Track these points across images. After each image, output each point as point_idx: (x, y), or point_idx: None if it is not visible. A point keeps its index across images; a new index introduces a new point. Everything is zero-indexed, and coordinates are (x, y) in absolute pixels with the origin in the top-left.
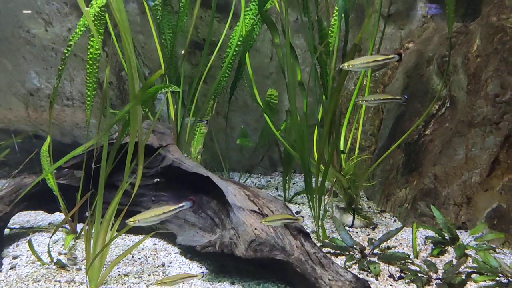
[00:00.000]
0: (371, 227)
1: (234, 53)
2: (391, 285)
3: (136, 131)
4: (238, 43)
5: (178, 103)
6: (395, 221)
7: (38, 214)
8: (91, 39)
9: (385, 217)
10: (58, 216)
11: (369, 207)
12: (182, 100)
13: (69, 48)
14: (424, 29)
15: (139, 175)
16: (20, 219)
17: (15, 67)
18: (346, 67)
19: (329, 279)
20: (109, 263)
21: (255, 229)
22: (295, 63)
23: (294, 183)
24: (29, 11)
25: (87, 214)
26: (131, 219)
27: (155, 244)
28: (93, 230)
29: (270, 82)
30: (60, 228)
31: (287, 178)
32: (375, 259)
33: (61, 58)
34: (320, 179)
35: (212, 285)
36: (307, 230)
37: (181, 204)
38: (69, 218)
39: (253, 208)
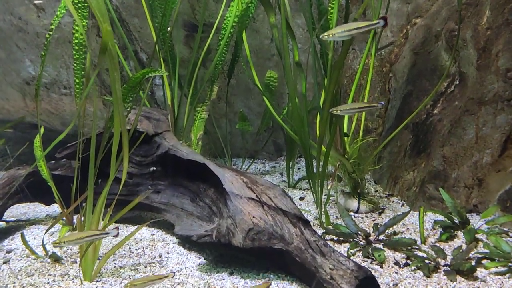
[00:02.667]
0: (377, 212)
1: (230, 35)
2: (396, 272)
3: (119, 117)
4: (233, 24)
5: (174, 87)
6: (402, 205)
7: (36, 206)
8: (75, 23)
9: (393, 201)
10: (56, 208)
11: (377, 191)
12: (179, 85)
13: (50, 33)
14: (433, 2)
15: (125, 166)
16: (18, 211)
17: (9, 56)
18: (326, 37)
19: (330, 268)
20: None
21: (253, 217)
22: (293, 43)
23: (299, 168)
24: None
25: (83, 205)
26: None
27: (153, 234)
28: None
29: (272, 64)
30: None
31: (291, 163)
32: (380, 246)
33: (44, 43)
34: (321, 162)
35: (210, 275)
36: (310, 216)
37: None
38: (65, 210)
39: (251, 195)
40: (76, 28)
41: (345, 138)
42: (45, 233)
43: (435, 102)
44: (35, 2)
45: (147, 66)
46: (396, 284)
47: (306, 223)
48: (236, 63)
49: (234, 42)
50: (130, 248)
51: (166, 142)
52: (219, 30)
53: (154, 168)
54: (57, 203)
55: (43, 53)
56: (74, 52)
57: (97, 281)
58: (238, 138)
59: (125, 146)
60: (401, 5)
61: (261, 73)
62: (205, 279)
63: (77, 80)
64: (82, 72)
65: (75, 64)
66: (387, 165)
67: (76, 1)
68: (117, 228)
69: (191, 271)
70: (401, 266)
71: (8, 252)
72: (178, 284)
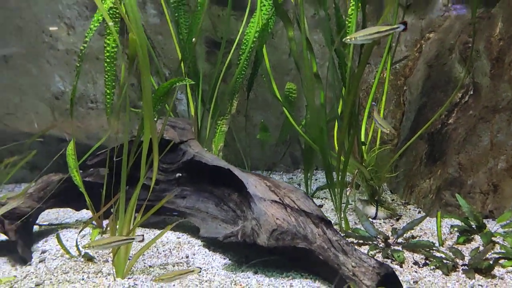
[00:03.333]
0: (395, 218)
1: (250, 50)
2: (415, 271)
3: (149, 126)
4: (254, 39)
5: (198, 101)
6: (419, 212)
7: (65, 212)
8: (107, 37)
9: (409, 209)
10: (85, 214)
11: (393, 200)
12: (201, 98)
13: (85, 45)
14: (446, 18)
15: (154, 170)
16: (49, 217)
17: (40, 72)
18: (348, 40)
19: (352, 266)
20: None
21: (277, 218)
22: (310, 55)
23: (316, 179)
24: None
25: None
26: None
27: (179, 237)
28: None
29: (290, 78)
30: None
31: (309, 173)
32: (399, 248)
33: (78, 55)
34: (340, 170)
35: (236, 274)
36: None
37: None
38: (96, 214)
39: (274, 198)
40: (108, 41)
41: (363, 146)
42: (78, 234)
43: (450, 112)
44: (50, 28)
45: None
46: (416, 282)
47: (328, 223)
48: (255, 78)
49: (253, 57)
50: (157, 249)
51: (192, 150)
52: (239, 46)
53: (180, 175)
54: (88, 209)
55: (78, 64)
56: (105, 64)
57: (129, 278)
58: (256, 150)
59: (155, 151)
60: (415, 20)
61: (280, 87)
62: (231, 277)
63: (107, 91)
64: (113, 84)
65: (106, 76)
66: (403, 174)
67: (110, 14)
68: (142, 235)
69: (217, 270)
70: (420, 265)
71: (43, 252)
72: (206, 281)
